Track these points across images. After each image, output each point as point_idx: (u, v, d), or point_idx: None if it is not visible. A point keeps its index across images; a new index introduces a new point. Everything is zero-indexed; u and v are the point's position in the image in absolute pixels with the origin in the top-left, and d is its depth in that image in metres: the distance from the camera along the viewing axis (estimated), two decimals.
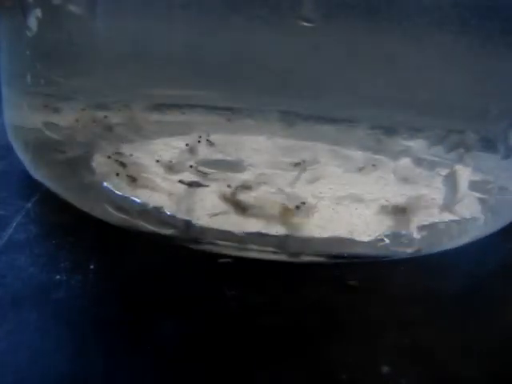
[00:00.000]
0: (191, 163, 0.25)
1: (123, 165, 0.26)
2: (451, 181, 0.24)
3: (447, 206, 0.25)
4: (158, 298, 0.23)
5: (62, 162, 0.27)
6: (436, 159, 0.25)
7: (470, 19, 0.23)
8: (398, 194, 0.25)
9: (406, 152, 0.24)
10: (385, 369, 0.21)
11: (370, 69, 0.24)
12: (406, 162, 0.24)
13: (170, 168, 0.25)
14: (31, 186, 0.29)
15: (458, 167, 0.24)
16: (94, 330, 0.22)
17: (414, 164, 0.24)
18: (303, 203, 0.24)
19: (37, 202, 0.28)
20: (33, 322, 0.22)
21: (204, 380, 0.20)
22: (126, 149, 0.26)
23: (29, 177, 0.29)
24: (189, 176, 0.25)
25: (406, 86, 0.24)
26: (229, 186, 0.24)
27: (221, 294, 0.23)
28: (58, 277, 0.24)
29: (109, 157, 0.26)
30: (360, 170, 0.25)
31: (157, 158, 0.25)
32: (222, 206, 0.24)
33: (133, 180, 0.25)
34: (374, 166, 0.25)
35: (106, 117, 0.26)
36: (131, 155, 0.26)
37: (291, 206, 0.24)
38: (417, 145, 0.24)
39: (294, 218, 0.24)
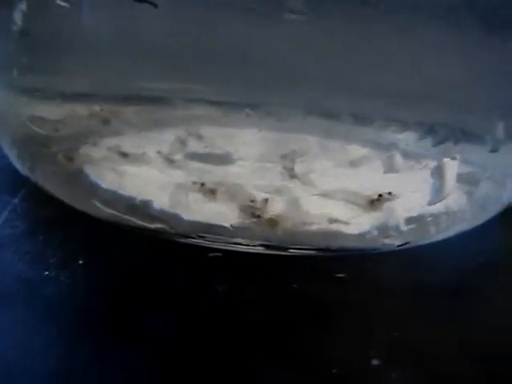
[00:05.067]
0: (180, 156, 0.25)
1: (124, 155, 0.25)
2: (439, 174, 0.25)
3: (435, 199, 0.25)
4: (148, 293, 0.23)
5: (48, 157, 0.27)
6: (424, 152, 0.25)
7: (458, 12, 0.23)
8: (386, 187, 0.25)
9: (394, 145, 0.24)
10: (375, 362, 0.21)
11: (359, 62, 0.24)
12: (394, 155, 0.24)
13: (161, 161, 0.25)
14: (18, 181, 0.29)
15: (446, 160, 0.24)
16: (83, 325, 0.22)
17: (402, 157, 0.24)
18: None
19: (24, 198, 0.28)
20: (22, 318, 0.21)
21: (195, 374, 0.20)
22: (120, 141, 0.26)
23: (15, 172, 0.29)
24: (178, 170, 0.25)
25: (395, 79, 0.24)
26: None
27: (211, 288, 0.24)
28: (46, 273, 0.23)
29: (108, 149, 0.26)
30: (350, 163, 0.25)
31: (148, 150, 0.25)
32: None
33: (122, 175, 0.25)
34: (363, 158, 0.25)
35: (102, 110, 0.26)
36: (125, 148, 0.26)
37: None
38: (405, 138, 0.24)
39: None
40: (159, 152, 0.25)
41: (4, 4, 0.26)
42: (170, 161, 0.25)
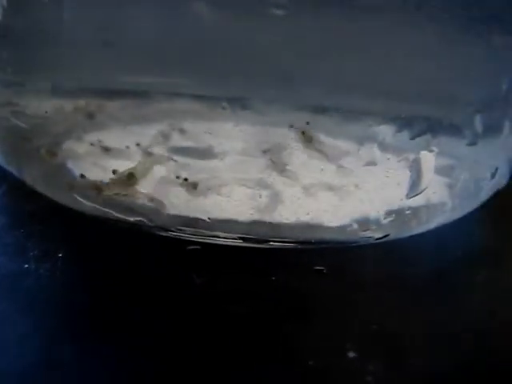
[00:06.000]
0: (163, 150, 0.25)
1: (107, 150, 0.25)
2: (417, 166, 0.25)
3: (413, 192, 0.25)
4: (127, 286, 0.23)
5: (30, 151, 0.27)
6: (402, 145, 0.25)
7: (437, 5, 0.23)
8: (365, 181, 0.25)
9: (372, 138, 0.24)
10: (351, 354, 0.21)
11: (337, 56, 0.24)
12: (372, 147, 0.24)
13: (144, 155, 0.25)
14: None
15: (424, 153, 0.25)
16: (63, 318, 0.22)
17: (380, 150, 0.24)
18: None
19: (5, 192, 0.28)
20: (1, 310, 0.22)
21: (174, 366, 0.20)
22: (104, 136, 0.26)
23: None
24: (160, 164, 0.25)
25: (372, 71, 0.24)
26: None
27: (190, 281, 0.24)
28: (26, 265, 0.24)
29: (91, 144, 0.26)
30: (329, 156, 0.25)
31: (131, 144, 0.25)
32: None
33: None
34: (342, 152, 0.25)
35: (87, 104, 0.26)
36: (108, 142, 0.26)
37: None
38: (383, 131, 0.24)
39: None
40: (140, 145, 0.25)
41: None
42: (151, 155, 0.25)
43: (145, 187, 0.25)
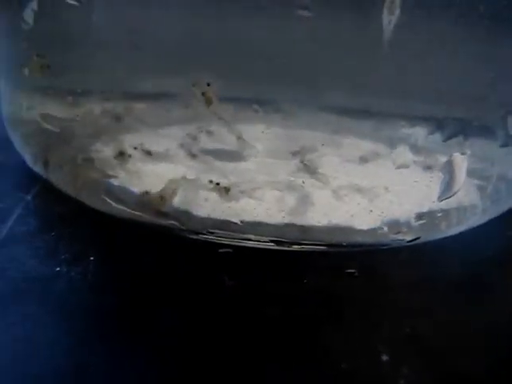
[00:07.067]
0: (191, 153, 0.25)
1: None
2: (449, 169, 0.24)
3: (445, 194, 0.25)
4: (159, 289, 0.23)
5: (60, 154, 0.27)
6: (434, 147, 0.25)
7: (470, 4, 0.23)
8: (397, 183, 0.25)
9: (404, 140, 0.24)
10: (384, 357, 0.21)
11: (368, 56, 0.24)
12: (404, 150, 0.24)
13: (171, 158, 0.25)
14: (30, 178, 0.29)
15: (456, 155, 0.24)
16: (94, 321, 0.22)
17: (412, 152, 0.24)
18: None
19: (36, 194, 0.28)
20: (33, 314, 0.22)
21: (205, 369, 0.20)
22: (132, 138, 0.26)
23: (28, 169, 0.29)
24: (188, 165, 0.25)
25: (404, 73, 0.24)
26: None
27: (221, 284, 0.24)
28: (58, 269, 0.24)
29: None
30: (359, 158, 0.25)
31: (164, 147, 0.25)
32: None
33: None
34: (373, 154, 0.25)
35: (114, 107, 0.26)
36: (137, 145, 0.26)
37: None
38: (415, 133, 0.24)
39: None
40: (168, 148, 0.25)
41: (15, 3, 0.26)
42: (181, 157, 0.25)
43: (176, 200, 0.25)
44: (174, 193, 0.25)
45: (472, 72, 0.24)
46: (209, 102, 0.24)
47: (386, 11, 0.22)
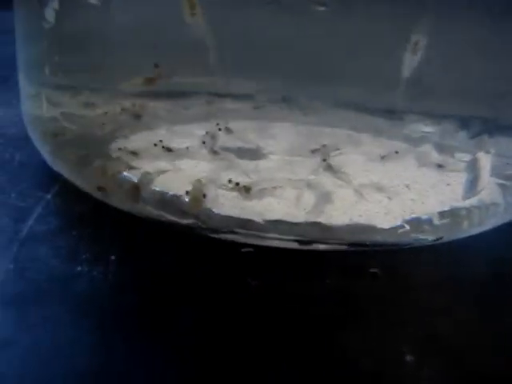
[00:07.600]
0: (210, 150, 0.25)
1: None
2: (474, 167, 0.24)
3: (469, 193, 0.25)
4: (179, 289, 0.23)
5: (80, 152, 0.27)
6: (459, 146, 0.24)
7: (496, 3, 0.23)
8: (419, 181, 0.24)
9: (427, 138, 0.24)
10: (408, 357, 0.21)
11: (391, 54, 0.23)
12: (427, 148, 0.24)
13: (192, 155, 0.25)
14: (50, 177, 0.29)
15: (480, 154, 0.24)
16: (115, 320, 0.22)
17: (436, 150, 0.24)
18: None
19: (56, 193, 0.28)
20: (55, 314, 0.22)
21: (224, 369, 0.20)
22: (152, 136, 0.26)
23: (47, 168, 0.29)
24: (209, 162, 0.25)
25: (428, 71, 0.23)
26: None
27: (243, 284, 0.23)
28: (79, 268, 0.24)
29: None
30: (381, 157, 0.25)
31: (183, 145, 0.25)
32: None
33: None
34: (396, 153, 0.25)
35: (134, 105, 0.26)
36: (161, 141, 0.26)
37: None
38: (439, 131, 0.24)
39: None
40: (190, 147, 0.25)
41: (36, 2, 0.26)
42: (202, 154, 0.25)
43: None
44: (203, 194, 0.24)
45: (497, 70, 0.24)
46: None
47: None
